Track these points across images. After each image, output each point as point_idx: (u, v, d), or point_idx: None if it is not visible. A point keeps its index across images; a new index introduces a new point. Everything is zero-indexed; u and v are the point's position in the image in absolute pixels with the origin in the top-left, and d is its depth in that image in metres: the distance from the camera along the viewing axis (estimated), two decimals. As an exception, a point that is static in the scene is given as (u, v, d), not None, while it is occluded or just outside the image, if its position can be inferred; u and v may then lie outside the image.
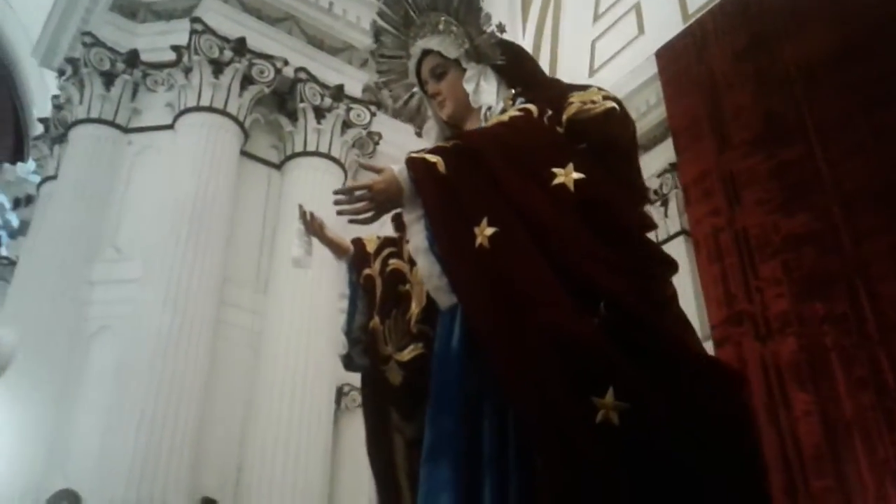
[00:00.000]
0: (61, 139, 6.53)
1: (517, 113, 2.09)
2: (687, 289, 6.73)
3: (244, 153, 6.21)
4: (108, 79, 6.21)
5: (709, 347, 6.37)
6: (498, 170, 1.92)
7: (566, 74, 8.56)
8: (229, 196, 5.82)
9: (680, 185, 6.81)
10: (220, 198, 5.71)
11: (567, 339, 1.70)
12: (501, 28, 2.25)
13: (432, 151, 1.99)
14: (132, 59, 6.31)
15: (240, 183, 6.01)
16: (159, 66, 6.31)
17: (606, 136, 2.06)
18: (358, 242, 2.40)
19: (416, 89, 2.37)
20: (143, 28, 6.47)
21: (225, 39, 6.12)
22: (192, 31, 6.06)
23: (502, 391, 1.74)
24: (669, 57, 6.56)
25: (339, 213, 1.99)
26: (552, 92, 2.15)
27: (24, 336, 5.04)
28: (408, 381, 2.13)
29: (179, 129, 6.01)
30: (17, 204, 9.01)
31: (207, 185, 5.66)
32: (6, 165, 9.42)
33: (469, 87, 2.22)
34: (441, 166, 1.92)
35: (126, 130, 6.25)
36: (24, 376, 4.81)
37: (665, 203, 7.22)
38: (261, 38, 6.35)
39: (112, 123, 6.18)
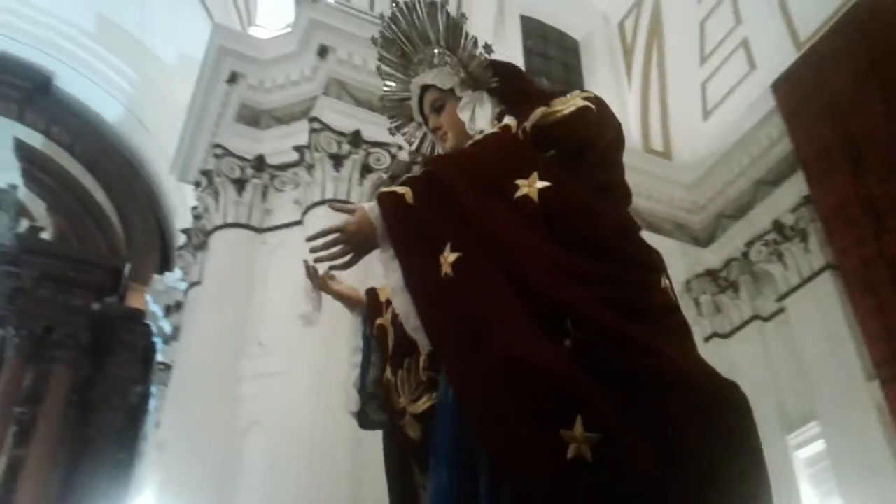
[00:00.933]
0: (202, 246, 6.98)
1: (492, 130, 2.02)
2: (840, 326, 6.31)
3: (370, 239, 6.39)
4: (240, 185, 6.62)
5: (874, 388, 5.92)
6: (457, 190, 1.82)
7: (678, 121, 8.41)
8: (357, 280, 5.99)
9: (818, 217, 6.46)
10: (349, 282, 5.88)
11: (527, 367, 1.55)
12: (489, 49, 2.19)
13: (404, 182, 1.92)
14: (260, 163, 6.71)
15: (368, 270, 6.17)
16: (285, 166, 6.67)
17: (576, 138, 1.94)
18: (371, 292, 2.32)
19: (424, 128, 2.32)
20: (267, 133, 6.89)
21: (342, 134, 6.42)
22: (312, 130, 6.40)
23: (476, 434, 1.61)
24: (787, 88, 6.36)
25: (316, 259, 1.92)
26: (534, 103, 2.02)
27: (183, 435, 5.31)
28: (426, 435, 1.99)
29: (308, 224, 6.29)
30: (168, 311, 9.63)
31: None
32: (156, 276, 10.13)
33: (464, 115, 2.14)
34: (409, 196, 1.84)
35: (260, 230, 6.59)
36: (185, 475, 5.04)
37: (804, 238, 6.84)
38: (374, 127, 6.61)
39: (247, 226, 6.54)
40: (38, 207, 12.58)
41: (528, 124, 1.95)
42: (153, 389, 9.97)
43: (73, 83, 12.18)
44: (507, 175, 1.84)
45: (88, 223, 11.94)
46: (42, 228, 12.01)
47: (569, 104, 1.97)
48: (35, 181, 12.26)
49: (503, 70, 2.21)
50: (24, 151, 12.09)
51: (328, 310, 5.33)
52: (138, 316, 10.65)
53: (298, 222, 6.39)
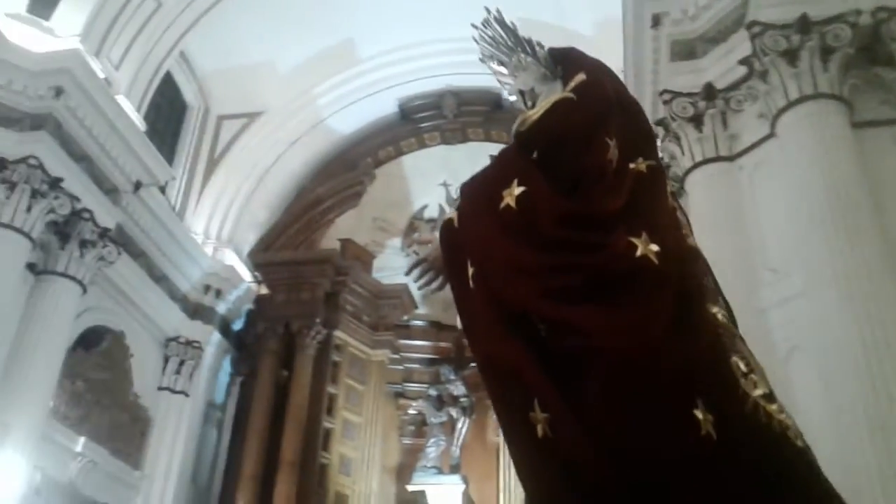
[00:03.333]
0: (678, 194, 6.98)
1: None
2: None
3: (856, 125, 5.70)
4: (697, 121, 6.47)
5: None
6: (465, 211, 2.07)
7: None
8: (858, 176, 5.37)
9: None
10: (850, 181, 5.31)
11: (493, 365, 1.90)
12: (541, 45, 2.44)
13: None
14: (709, 92, 6.48)
15: (864, 160, 5.49)
16: (735, 85, 6.34)
17: (546, 138, 2.03)
18: None
19: None
20: (706, 60, 6.62)
21: (786, 26, 5.85)
22: (753, 37, 5.96)
23: None
24: None
25: (419, 288, 2.27)
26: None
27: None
28: None
29: (780, 134, 5.86)
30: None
31: (833, 175, 5.32)
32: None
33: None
34: (455, 220, 2.08)
35: (732, 158, 6.36)
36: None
37: None
38: (819, 4, 5.88)
39: (717, 158, 6.36)
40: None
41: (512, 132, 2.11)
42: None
43: (517, 90, 13.38)
44: (495, 188, 2.01)
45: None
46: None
47: (546, 103, 2.11)
48: (516, 186, 13.72)
49: (559, 57, 2.40)
50: (499, 164, 13.65)
51: (833, 219, 4.86)
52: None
53: (770, 136, 5.99)
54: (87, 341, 9.64)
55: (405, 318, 13.83)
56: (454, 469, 12.79)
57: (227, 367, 12.29)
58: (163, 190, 10.55)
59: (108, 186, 8.85)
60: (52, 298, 8.18)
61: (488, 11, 2.53)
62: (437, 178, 14.52)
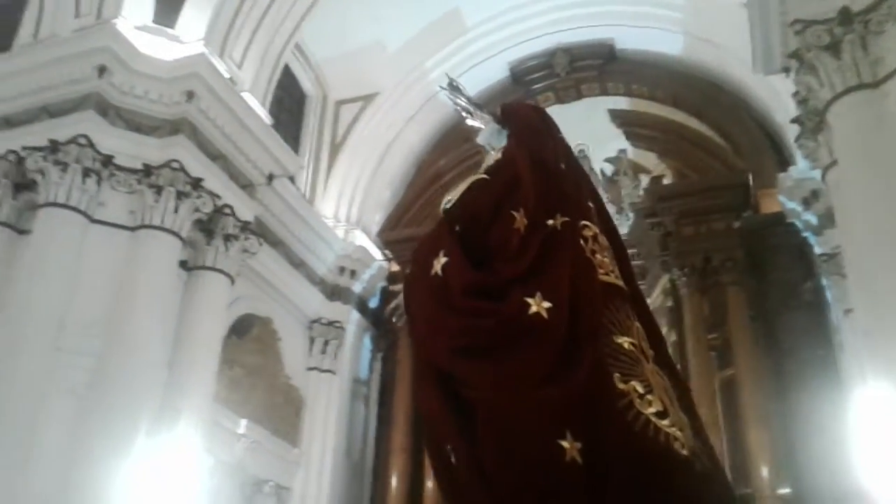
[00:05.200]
0: (819, 127, 6.58)
1: None
2: None
3: None
4: (835, 48, 6.07)
5: None
6: (410, 271, 2.69)
7: None
8: None
9: None
10: None
11: (423, 414, 2.41)
12: (495, 114, 2.99)
13: None
14: (845, 17, 6.08)
15: None
16: (873, 6, 5.88)
17: (463, 214, 2.50)
18: None
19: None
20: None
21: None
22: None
23: None
24: None
25: None
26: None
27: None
28: None
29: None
30: (806, 203, 9.35)
31: None
32: (780, 175, 9.97)
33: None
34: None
35: (876, 84, 5.93)
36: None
37: None
38: None
39: (860, 87, 5.96)
40: (649, 159, 13.62)
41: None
42: (823, 282, 9.75)
43: (629, 39, 12.94)
44: (429, 256, 2.42)
45: (698, 154, 12.41)
46: (661, 176, 12.93)
47: (464, 184, 2.56)
48: (637, 138, 13.33)
49: (506, 116, 2.98)
50: (618, 118, 13.29)
51: None
52: (779, 218, 10.60)
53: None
54: (240, 329, 10.22)
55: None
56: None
57: (367, 343, 12.70)
58: (292, 179, 10.96)
59: (244, 181, 9.29)
60: (205, 291, 8.69)
61: (448, 77, 3.25)
62: (554, 138, 14.33)
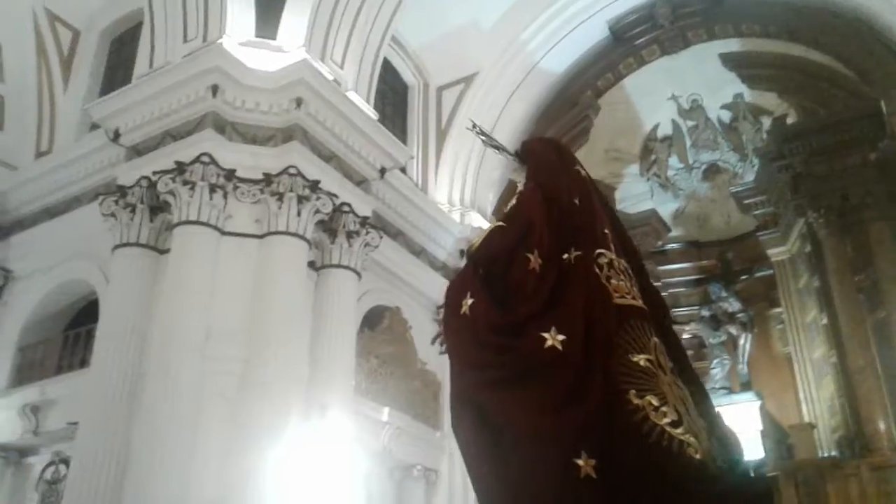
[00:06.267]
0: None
1: None
2: None
3: None
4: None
5: None
6: (444, 308, 2.94)
7: None
8: None
9: None
10: None
11: (460, 439, 2.70)
12: (516, 152, 3.25)
13: None
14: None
15: None
16: None
17: (484, 258, 2.81)
18: None
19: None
20: None
21: None
22: None
23: None
24: None
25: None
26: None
27: None
28: None
29: None
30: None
31: None
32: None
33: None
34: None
35: None
36: None
37: None
38: None
39: None
40: (769, 100, 12.93)
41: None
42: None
43: (733, -23, 12.28)
44: (458, 297, 2.69)
45: (821, 86, 11.67)
46: (784, 116, 12.25)
47: (486, 230, 2.94)
48: (753, 79, 12.69)
49: (524, 156, 3.19)
50: (731, 61, 12.67)
51: None
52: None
53: None
54: (371, 321, 10.49)
55: (659, 243, 13.44)
56: (745, 387, 12.28)
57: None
58: (404, 170, 11.10)
59: (358, 178, 9.49)
60: (335, 289, 8.97)
61: (472, 122, 3.55)
62: (663, 92, 13.86)
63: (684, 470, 2.34)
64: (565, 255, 2.71)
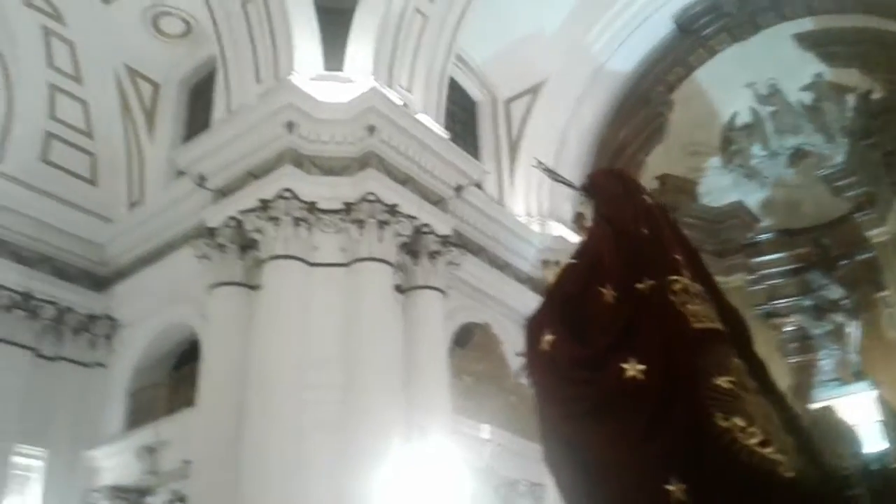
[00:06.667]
0: None
1: None
2: None
3: None
4: None
5: None
6: (525, 343, 3.07)
7: None
8: None
9: None
10: None
11: (550, 470, 2.87)
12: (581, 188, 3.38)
13: None
14: None
15: None
16: None
17: (560, 295, 2.95)
18: None
19: None
20: None
21: None
22: None
23: None
24: None
25: None
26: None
27: None
28: None
29: None
30: None
31: None
32: None
33: None
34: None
35: None
36: None
37: None
38: None
39: None
40: (851, 76, 12.40)
41: None
42: None
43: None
44: (538, 333, 2.83)
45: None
46: (869, 91, 11.73)
47: (560, 267, 3.12)
48: (832, 57, 12.23)
49: (589, 190, 3.28)
50: (806, 40, 12.26)
51: None
52: None
53: None
54: (461, 339, 10.49)
55: (749, 235, 13.00)
56: (858, 376, 11.69)
57: (587, 330, 12.53)
58: (480, 186, 11.11)
59: (435, 198, 9.56)
60: (423, 310, 9.03)
61: (536, 160, 3.95)
62: (738, 80, 13.48)
63: (776, 489, 2.35)
64: (638, 285, 2.73)
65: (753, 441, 2.38)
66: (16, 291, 10.01)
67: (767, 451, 2.38)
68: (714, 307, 2.79)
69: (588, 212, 3.21)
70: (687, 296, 2.72)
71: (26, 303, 10.09)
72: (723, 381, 2.50)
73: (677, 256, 2.86)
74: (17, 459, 9.60)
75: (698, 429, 2.41)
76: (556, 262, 11.92)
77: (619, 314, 2.70)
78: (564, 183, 3.51)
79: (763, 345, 12.14)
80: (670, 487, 2.35)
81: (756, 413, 2.48)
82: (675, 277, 2.75)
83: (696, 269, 2.91)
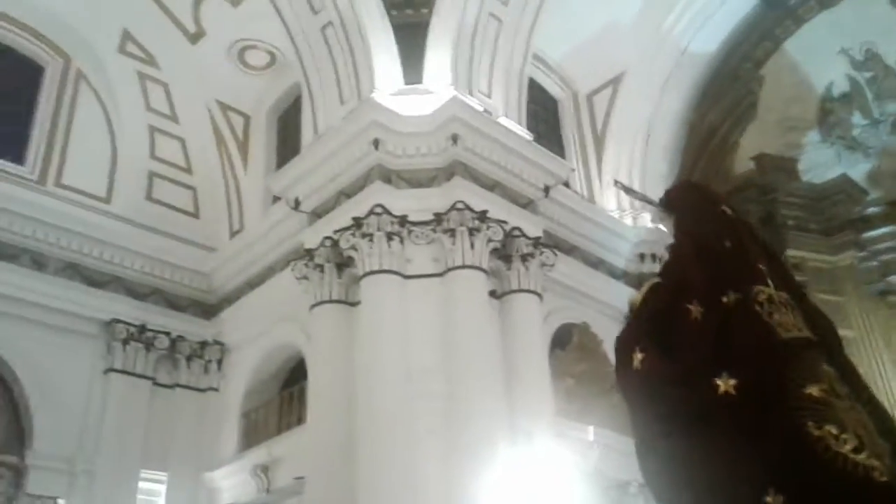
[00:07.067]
0: None
1: None
2: None
3: None
4: None
5: None
6: (615, 359, 3.10)
7: None
8: None
9: None
10: None
11: (649, 486, 2.91)
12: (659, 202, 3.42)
13: None
14: None
15: None
16: None
17: (647, 313, 2.95)
18: None
19: None
20: None
21: None
22: None
23: None
24: None
25: None
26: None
27: None
28: None
29: None
30: None
31: None
32: None
33: None
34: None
35: None
36: None
37: None
38: None
39: None
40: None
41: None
42: None
43: None
44: (628, 351, 2.84)
45: None
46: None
47: (645, 286, 3.06)
48: None
49: (667, 206, 3.33)
50: None
51: None
52: None
53: None
54: (560, 341, 10.40)
55: (858, 209, 12.35)
56: None
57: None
58: (568, 185, 11.01)
59: (524, 201, 9.53)
60: (519, 314, 9.00)
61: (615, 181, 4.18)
62: (831, 48, 12.87)
63: (872, 494, 2.35)
64: (724, 299, 2.75)
65: (847, 448, 2.40)
66: (132, 325, 10.56)
67: (861, 456, 2.39)
68: (801, 314, 2.80)
69: (669, 227, 3.27)
70: (773, 305, 2.74)
71: (142, 334, 10.62)
72: (814, 390, 2.53)
73: (761, 266, 2.88)
74: (142, 485, 10.10)
75: (793, 439, 2.45)
76: (654, 257, 11.72)
77: (707, 329, 2.72)
78: (644, 200, 3.60)
79: (882, 325, 11.58)
80: (768, 499, 2.37)
81: (848, 419, 2.50)
82: (760, 288, 2.77)
83: (780, 276, 2.93)
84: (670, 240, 3.40)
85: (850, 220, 12.08)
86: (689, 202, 3.22)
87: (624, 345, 2.95)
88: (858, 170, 12.85)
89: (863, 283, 11.91)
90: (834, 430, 2.43)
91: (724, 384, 2.55)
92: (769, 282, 2.81)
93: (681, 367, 2.71)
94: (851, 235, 11.98)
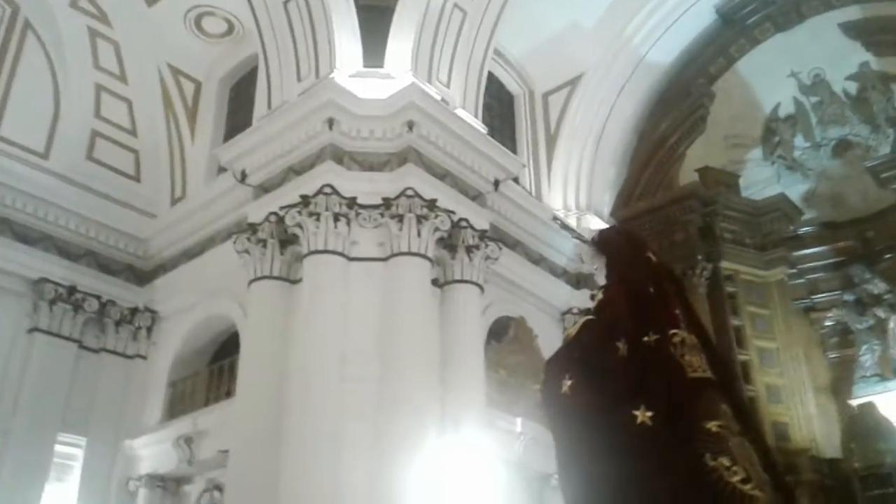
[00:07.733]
0: None
1: None
2: None
3: None
4: None
5: None
6: (544, 385, 3.36)
7: None
8: None
9: None
10: None
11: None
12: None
13: None
14: None
15: None
16: None
17: (579, 347, 3.24)
18: None
19: None
20: None
21: None
22: None
23: None
24: None
25: None
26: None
27: None
28: None
29: None
30: None
31: None
32: None
33: None
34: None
35: None
36: None
37: None
38: None
39: None
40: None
41: None
42: None
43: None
44: (558, 378, 3.11)
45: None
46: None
47: (580, 322, 3.38)
48: (880, 45, 12.04)
49: (601, 249, 3.64)
50: (852, 29, 12.05)
51: None
52: None
53: None
54: (496, 333, 10.51)
55: (791, 227, 12.76)
56: (900, 373, 11.46)
57: (624, 325, 12.46)
58: (517, 180, 11.10)
59: (473, 193, 9.58)
60: (459, 304, 9.06)
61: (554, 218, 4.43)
62: (782, 70, 13.24)
63: None
64: (646, 339, 3.06)
65: (736, 479, 2.73)
66: (61, 285, 10.27)
67: (747, 487, 2.73)
68: (705, 356, 3.13)
69: (598, 265, 3.63)
70: (685, 347, 3.08)
71: (70, 296, 10.34)
72: (712, 426, 2.86)
73: (677, 311, 3.21)
74: (58, 448, 9.87)
75: (693, 469, 2.76)
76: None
77: (631, 366, 3.03)
78: (577, 238, 4.03)
79: (803, 340, 12.03)
80: None
81: (739, 454, 2.82)
82: (675, 331, 3.09)
83: (691, 320, 3.26)
84: (600, 275, 3.68)
85: (783, 237, 12.47)
86: (619, 247, 3.54)
87: (554, 370, 3.23)
88: (796, 190, 13.27)
89: (790, 299, 12.33)
90: (726, 463, 2.76)
91: (642, 415, 2.84)
92: (682, 326, 3.15)
93: (605, 397, 3.00)
94: (783, 252, 12.37)
